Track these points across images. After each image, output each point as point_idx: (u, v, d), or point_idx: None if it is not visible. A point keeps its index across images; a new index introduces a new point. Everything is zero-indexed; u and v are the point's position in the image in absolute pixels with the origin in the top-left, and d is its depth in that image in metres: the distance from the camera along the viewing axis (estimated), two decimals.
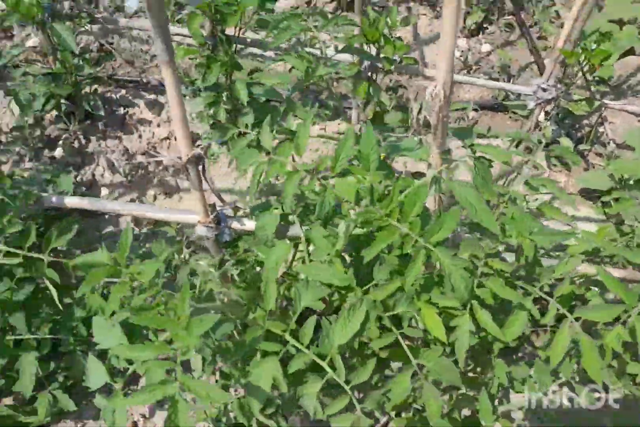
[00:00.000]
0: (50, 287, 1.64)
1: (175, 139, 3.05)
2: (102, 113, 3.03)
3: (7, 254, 1.65)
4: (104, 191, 2.99)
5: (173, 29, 3.30)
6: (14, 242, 1.66)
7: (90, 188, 2.97)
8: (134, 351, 1.27)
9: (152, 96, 3.29)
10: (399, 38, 2.93)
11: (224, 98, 2.98)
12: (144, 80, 3.41)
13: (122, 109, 3.20)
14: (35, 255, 1.67)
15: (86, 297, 1.66)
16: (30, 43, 3.54)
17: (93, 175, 3.02)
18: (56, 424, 2.29)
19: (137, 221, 2.87)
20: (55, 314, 1.90)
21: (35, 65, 3.01)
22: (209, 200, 1.76)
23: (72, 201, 1.83)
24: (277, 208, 1.83)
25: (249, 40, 2.89)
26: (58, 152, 3.09)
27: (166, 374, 1.29)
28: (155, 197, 3.04)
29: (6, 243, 1.65)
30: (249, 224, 1.81)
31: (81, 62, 3.01)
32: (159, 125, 3.21)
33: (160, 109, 3.26)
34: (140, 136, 3.17)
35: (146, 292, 1.32)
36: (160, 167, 3.11)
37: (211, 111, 3.06)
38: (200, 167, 1.60)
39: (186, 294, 1.25)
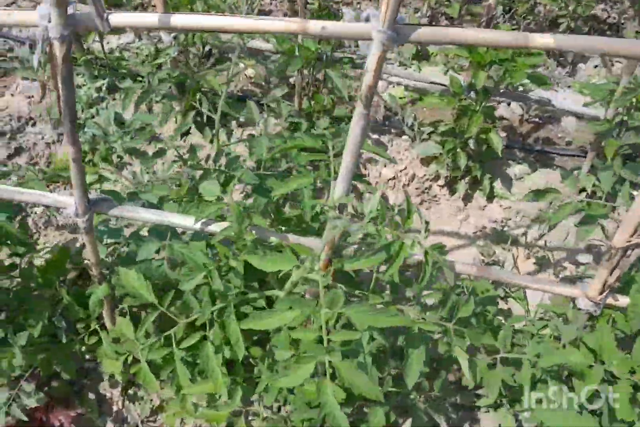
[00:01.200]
0: (463, 361, 1.75)
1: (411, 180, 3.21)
2: None
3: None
4: None
5: (419, 74, 3.42)
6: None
7: None
8: None
9: (375, 136, 3.39)
10: None
11: (471, 145, 3.09)
12: None
13: None
14: (447, 324, 1.79)
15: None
16: (249, 73, 3.65)
17: None
18: None
19: None
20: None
21: (284, 103, 3.11)
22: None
23: None
24: None
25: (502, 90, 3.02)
26: None
27: None
28: None
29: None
30: (622, 300, 1.91)
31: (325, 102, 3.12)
32: (385, 166, 3.31)
33: (385, 149, 3.35)
34: (367, 175, 3.26)
35: None
36: None
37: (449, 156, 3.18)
38: (627, 253, 1.70)
39: None
